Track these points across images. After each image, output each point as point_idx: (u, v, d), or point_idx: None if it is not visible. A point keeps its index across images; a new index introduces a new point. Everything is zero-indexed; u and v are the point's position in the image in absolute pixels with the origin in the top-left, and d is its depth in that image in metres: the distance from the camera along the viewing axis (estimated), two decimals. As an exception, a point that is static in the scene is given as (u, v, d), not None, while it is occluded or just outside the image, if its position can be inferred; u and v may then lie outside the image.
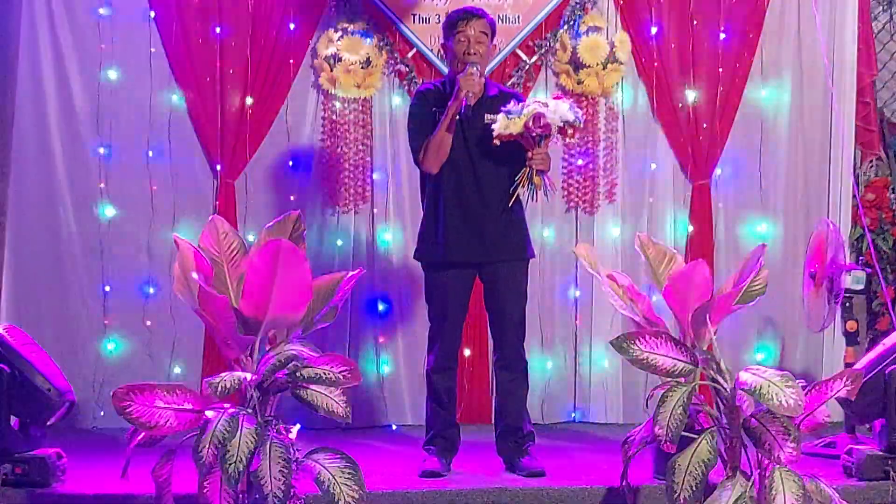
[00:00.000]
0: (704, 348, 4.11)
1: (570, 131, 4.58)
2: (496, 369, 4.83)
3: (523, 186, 4.59)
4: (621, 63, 6.07)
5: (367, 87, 6.01)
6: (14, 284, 5.86)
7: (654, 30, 6.11)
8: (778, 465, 3.81)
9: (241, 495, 3.73)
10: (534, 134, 4.48)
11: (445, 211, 4.69)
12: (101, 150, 5.96)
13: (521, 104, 4.58)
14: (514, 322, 4.74)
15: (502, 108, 4.55)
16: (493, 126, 4.54)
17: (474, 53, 4.63)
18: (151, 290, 5.97)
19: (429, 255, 4.76)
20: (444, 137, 4.62)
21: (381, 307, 6.06)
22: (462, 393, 5.86)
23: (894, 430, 4.42)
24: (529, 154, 4.55)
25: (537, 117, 4.47)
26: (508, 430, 4.75)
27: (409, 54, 6.05)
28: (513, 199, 4.64)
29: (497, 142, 4.54)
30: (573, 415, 6.16)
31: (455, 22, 4.69)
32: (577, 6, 6.08)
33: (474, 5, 5.14)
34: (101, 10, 5.95)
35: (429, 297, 4.81)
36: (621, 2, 6.12)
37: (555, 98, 4.73)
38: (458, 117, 4.62)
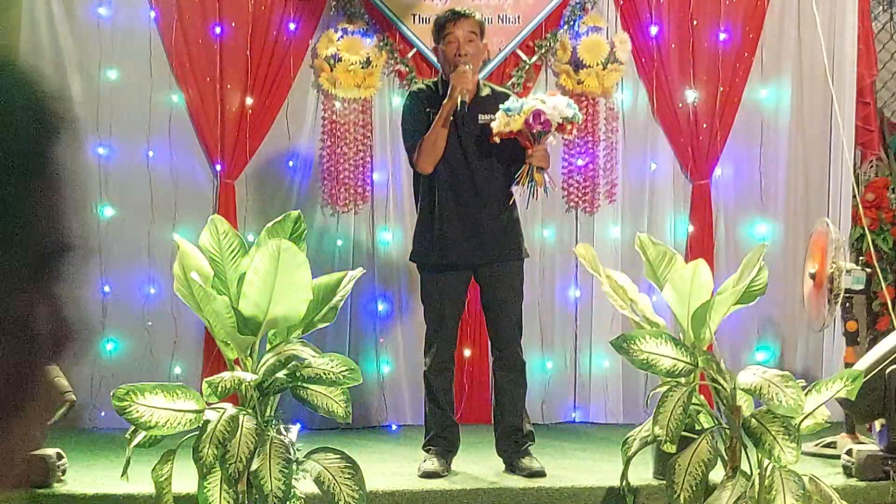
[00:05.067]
0: (704, 348, 4.12)
1: (568, 127, 4.58)
2: (494, 369, 4.83)
3: (523, 184, 4.60)
4: (621, 63, 6.07)
5: (367, 87, 6.01)
6: (14, 284, 5.85)
7: (654, 30, 6.11)
8: (778, 465, 3.81)
9: (241, 495, 3.73)
10: (534, 130, 4.48)
11: (442, 213, 4.68)
12: (101, 150, 5.95)
13: (519, 101, 4.58)
14: (511, 321, 4.74)
15: (501, 106, 4.55)
16: (493, 124, 4.54)
17: (465, 54, 4.63)
18: (151, 290, 5.96)
19: (426, 257, 4.76)
20: (438, 135, 4.61)
21: (381, 307, 6.06)
22: (462, 393, 5.87)
23: (894, 430, 4.42)
24: (529, 151, 4.55)
25: (537, 114, 4.47)
26: (508, 431, 4.75)
27: (409, 54, 6.05)
28: (512, 198, 4.65)
29: (497, 139, 4.54)
30: (573, 415, 6.16)
31: (444, 24, 4.68)
32: (577, 6, 6.08)
33: (464, 6, 5.07)
34: (101, 10, 5.95)
35: (426, 298, 4.81)
36: (621, 2, 6.12)
37: (551, 95, 4.73)
38: (452, 116, 4.63)
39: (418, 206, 4.82)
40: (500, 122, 4.52)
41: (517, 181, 4.59)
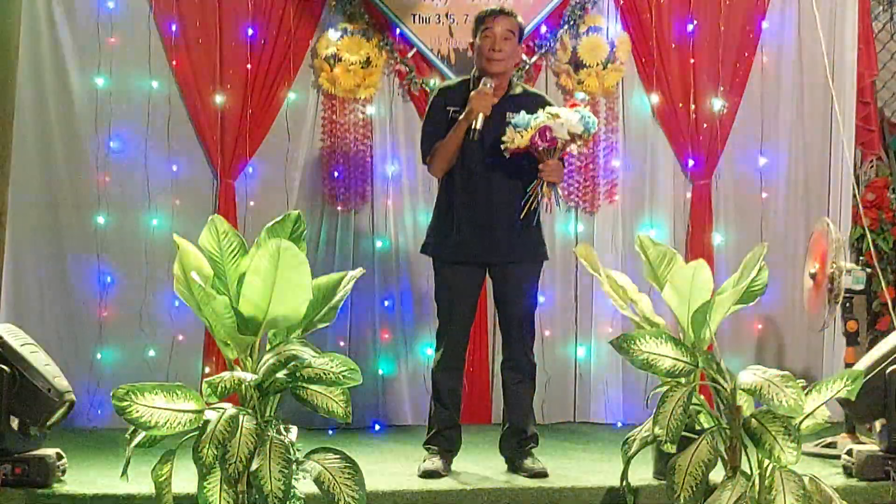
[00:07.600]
0: (704, 348, 4.12)
1: (579, 142, 4.55)
2: (503, 370, 4.82)
3: (536, 198, 4.55)
4: (621, 63, 6.07)
5: (367, 87, 6.01)
6: (14, 284, 5.85)
7: (654, 30, 6.11)
8: (778, 466, 3.81)
9: (240, 495, 3.73)
10: (540, 148, 4.45)
11: (456, 209, 4.67)
12: (102, 150, 5.95)
13: (528, 116, 4.51)
14: (522, 323, 4.72)
15: (510, 120, 4.52)
16: (503, 138, 4.52)
17: (499, 51, 4.62)
18: (151, 291, 5.96)
19: (440, 251, 4.74)
20: (452, 150, 4.61)
21: (381, 307, 6.05)
22: (462, 393, 5.86)
23: (894, 430, 4.42)
24: (541, 167, 4.51)
25: (543, 131, 4.43)
26: (513, 432, 4.74)
27: (409, 54, 6.05)
28: (524, 212, 4.57)
29: (507, 154, 4.52)
30: (573, 415, 6.16)
31: (483, 18, 4.68)
32: (577, 6, 6.08)
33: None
34: (102, 10, 5.95)
35: (438, 295, 4.79)
36: (621, 2, 6.12)
37: (571, 106, 4.66)
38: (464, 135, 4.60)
39: (437, 198, 4.81)
40: (507, 137, 4.49)
41: (530, 196, 4.53)
